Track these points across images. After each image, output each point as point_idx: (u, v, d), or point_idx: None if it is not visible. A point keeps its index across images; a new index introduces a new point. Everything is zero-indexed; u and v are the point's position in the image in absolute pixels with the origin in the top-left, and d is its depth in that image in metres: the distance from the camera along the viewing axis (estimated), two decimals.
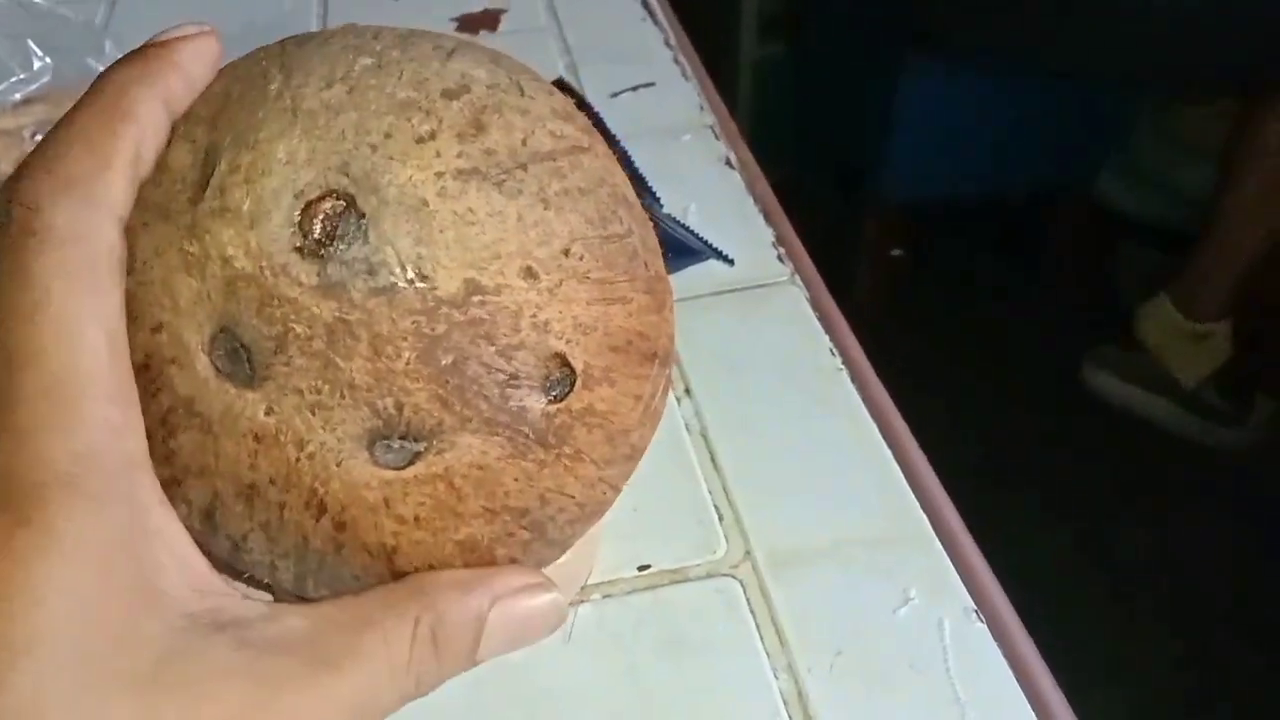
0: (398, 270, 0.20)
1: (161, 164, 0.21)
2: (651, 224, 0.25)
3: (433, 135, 0.21)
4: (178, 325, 0.21)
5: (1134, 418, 1.35)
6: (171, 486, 0.21)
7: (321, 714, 0.19)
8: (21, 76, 0.46)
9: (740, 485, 0.41)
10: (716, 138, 0.59)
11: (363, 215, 0.20)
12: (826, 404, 0.44)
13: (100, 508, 0.18)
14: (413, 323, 0.20)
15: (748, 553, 0.39)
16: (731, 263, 0.51)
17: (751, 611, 0.37)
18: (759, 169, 0.56)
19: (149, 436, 0.20)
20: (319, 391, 0.20)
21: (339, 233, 0.20)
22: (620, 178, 0.24)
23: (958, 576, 0.38)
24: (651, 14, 0.69)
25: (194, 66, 0.22)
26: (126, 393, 0.20)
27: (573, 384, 0.21)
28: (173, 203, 0.21)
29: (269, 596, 0.22)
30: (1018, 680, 0.35)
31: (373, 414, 0.20)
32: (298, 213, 0.20)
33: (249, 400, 0.20)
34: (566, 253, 0.21)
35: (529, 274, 0.21)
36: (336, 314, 0.20)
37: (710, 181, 0.56)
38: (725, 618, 0.37)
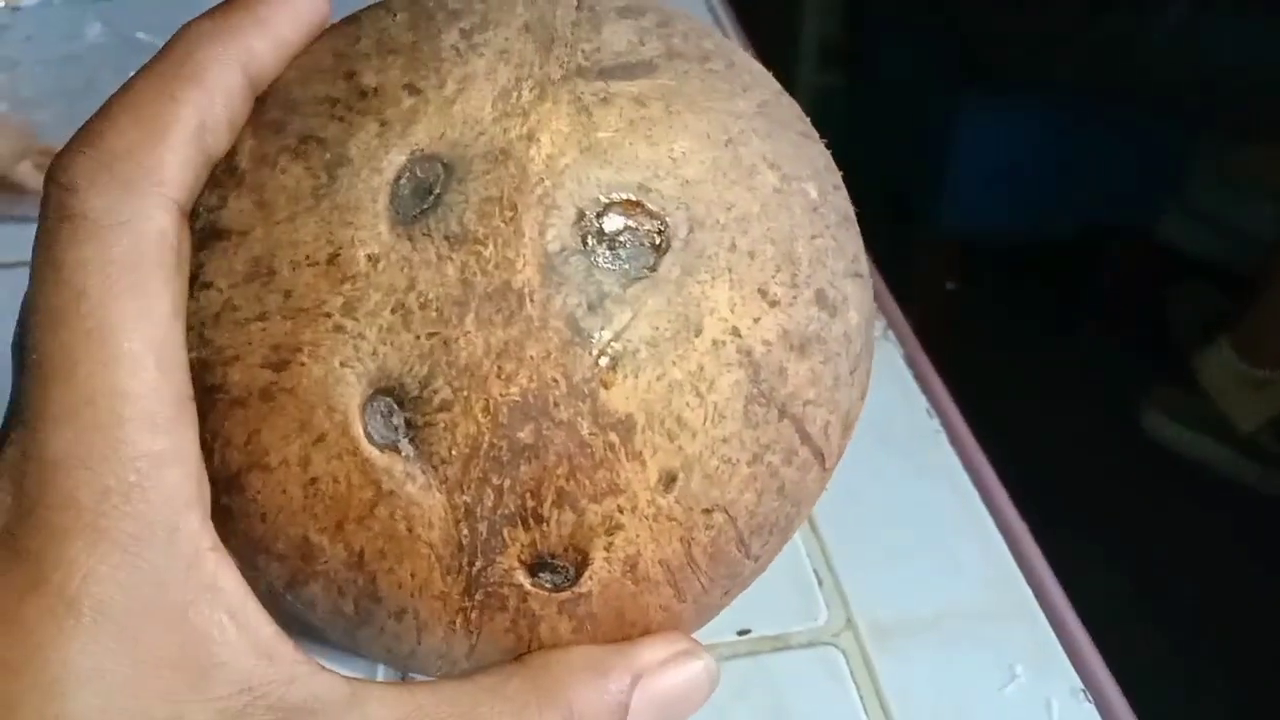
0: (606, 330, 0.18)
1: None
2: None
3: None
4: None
5: (1191, 462, 1.33)
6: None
7: None
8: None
9: (839, 551, 0.41)
10: None
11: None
12: (925, 468, 0.44)
13: (135, 559, 0.15)
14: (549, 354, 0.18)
15: (849, 621, 0.39)
16: None
17: (855, 684, 0.37)
18: None
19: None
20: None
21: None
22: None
23: (1064, 653, 0.38)
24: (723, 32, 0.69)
25: (284, 26, 0.18)
26: (175, 418, 0.16)
27: (576, 578, 0.18)
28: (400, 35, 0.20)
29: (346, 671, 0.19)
30: None
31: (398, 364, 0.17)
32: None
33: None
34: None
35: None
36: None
37: None
38: (829, 689, 0.37)
